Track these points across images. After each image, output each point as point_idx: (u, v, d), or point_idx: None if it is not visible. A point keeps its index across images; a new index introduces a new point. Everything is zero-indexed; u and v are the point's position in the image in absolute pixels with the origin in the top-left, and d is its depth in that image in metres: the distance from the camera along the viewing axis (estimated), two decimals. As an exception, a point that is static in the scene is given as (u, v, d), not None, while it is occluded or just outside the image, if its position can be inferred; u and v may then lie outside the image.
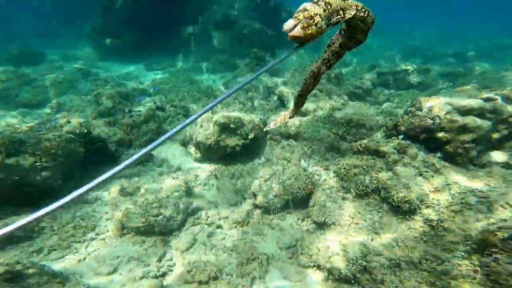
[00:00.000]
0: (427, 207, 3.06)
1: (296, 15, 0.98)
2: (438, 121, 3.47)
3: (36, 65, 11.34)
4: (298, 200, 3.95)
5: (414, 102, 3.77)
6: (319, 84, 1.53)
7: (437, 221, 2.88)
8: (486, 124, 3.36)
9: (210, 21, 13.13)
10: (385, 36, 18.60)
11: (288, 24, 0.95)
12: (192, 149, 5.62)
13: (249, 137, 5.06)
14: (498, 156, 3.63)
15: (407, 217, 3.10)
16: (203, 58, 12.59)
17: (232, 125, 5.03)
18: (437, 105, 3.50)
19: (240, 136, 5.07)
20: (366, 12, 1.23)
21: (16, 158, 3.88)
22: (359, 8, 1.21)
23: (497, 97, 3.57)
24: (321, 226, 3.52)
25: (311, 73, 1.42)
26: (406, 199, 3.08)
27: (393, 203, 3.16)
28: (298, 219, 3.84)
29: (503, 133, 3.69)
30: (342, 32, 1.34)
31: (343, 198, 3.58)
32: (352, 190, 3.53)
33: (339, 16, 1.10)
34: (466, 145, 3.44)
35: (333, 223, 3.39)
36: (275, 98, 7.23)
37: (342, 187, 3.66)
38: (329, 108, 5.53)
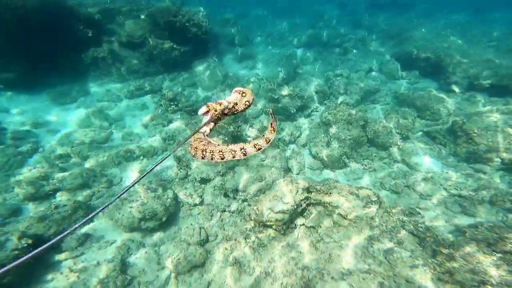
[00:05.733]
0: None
1: (208, 104, 1.69)
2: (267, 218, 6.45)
3: None
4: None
5: (256, 206, 6.62)
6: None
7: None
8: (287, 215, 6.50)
9: (115, 43, 12.55)
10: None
11: (202, 110, 1.70)
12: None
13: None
14: (300, 221, 6.93)
15: None
16: (116, 81, 12.60)
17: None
18: (266, 208, 6.43)
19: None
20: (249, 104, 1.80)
21: None
22: (248, 104, 1.77)
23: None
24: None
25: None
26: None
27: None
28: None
29: (303, 207, 6.95)
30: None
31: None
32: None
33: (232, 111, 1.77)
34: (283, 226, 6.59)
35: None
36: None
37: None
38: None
